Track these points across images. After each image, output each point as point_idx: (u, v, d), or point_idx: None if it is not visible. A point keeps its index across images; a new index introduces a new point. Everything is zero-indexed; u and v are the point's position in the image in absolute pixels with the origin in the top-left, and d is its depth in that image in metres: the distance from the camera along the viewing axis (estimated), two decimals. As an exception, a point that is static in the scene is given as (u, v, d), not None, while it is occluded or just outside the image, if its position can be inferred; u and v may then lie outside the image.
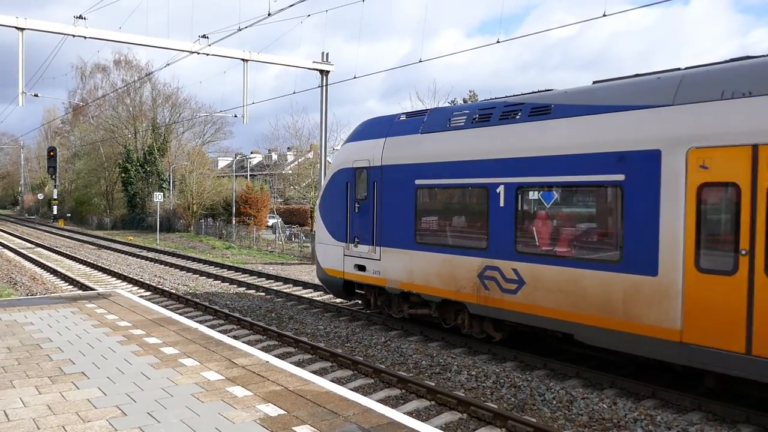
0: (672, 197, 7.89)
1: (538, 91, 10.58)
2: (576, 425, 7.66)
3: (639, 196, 8.25)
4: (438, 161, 11.31)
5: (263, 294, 17.45)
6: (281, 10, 16.56)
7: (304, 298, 16.01)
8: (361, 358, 10.53)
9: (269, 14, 17.08)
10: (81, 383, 6.43)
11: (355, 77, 18.98)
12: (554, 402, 8.40)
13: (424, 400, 8.54)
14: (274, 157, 67.53)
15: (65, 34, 21.48)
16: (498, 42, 13.50)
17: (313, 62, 26.33)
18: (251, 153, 76.61)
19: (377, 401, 7.06)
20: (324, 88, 26.36)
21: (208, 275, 21.02)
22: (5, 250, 30.88)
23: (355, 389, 8.95)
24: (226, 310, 14.68)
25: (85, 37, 21.48)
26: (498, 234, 10.17)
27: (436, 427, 7.04)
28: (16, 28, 20.78)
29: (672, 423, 7.55)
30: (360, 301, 14.10)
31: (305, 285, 18.64)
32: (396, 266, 12.10)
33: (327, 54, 26.49)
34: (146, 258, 27.07)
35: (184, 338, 8.55)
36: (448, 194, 11.53)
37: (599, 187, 9.02)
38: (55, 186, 54.34)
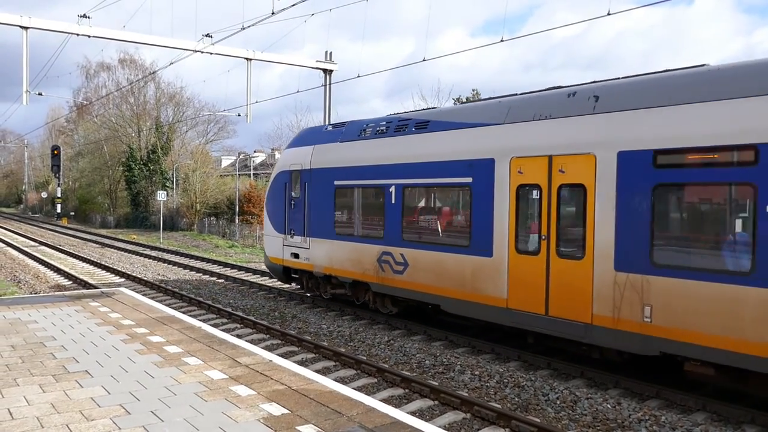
0: (501, 195, 10.20)
1: (425, 109, 12.97)
2: (580, 425, 7.64)
3: (481, 194, 10.55)
4: (351, 165, 13.56)
5: (266, 293, 17.45)
6: (284, 9, 16.56)
7: (307, 297, 16.01)
8: (365, 358, 10.52)
9: (273, 13, 17.08)
10: (85, 382, 6.43)
11: (358, 76, 18.98)
12: (558, 402, 8.38)
13: (428, 400, 8.53)
14: (278, 155, 67.65)
15: (69, 33, 21.53)
16: (502, 41, 13.48)
17: (317, 61, 26.34)
18: (254, 152, 76.64)
19: (381, 401, 7.05)
20: (327, 87, 26.36)
21: (212, 274, 21.03)
22: (9, 249, 30.96)
23: (359, 388, 8.94)
24: (229, 309, 14.69)
25: (89, 36, 21.54)
26: (391, 225, 12.46)
27: (439, 426, 7.02)
28: (21, 27, 20.83)
29: (676, 423, 7.52)
30: (298, 285, 16.24)
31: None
32: (320, 253, 14.35)
33: (330, 53, 26.49)
34: (149, 256, 27.11)
35: (187, 337, 8.55)
36: (357, 193, 13.61)
37: (457, 188, 11.27)
38: (58, 184, 54.40)
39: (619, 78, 9.49)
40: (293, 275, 15.86)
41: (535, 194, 9.75)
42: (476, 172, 10.61)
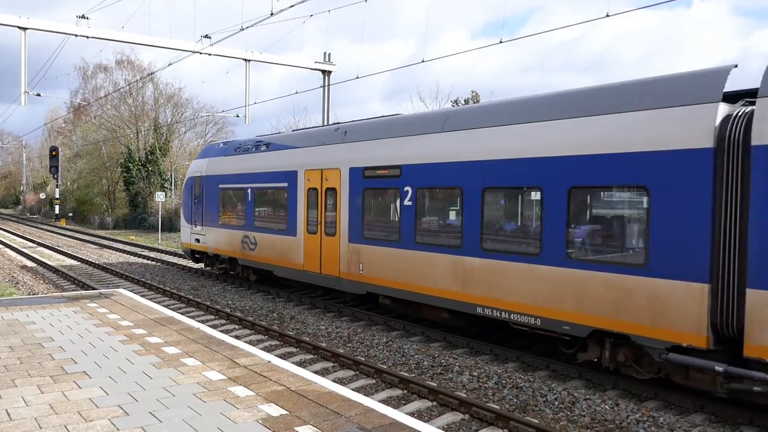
0: (300, 195, 15.25)
1: (274, 134, 18.87)
2: (578, 426, 7.65)
3: (291, 194, 15.58)
4: (228, 173, 18.85)
5: (264, 294, 17.45)
6: (283, 10, 16.57)
7: (306, 298, 16.01)
8: (363, 359, 10.52)
9: (272, 14, 17.09)
10: (83, 382, 6.43)
11: (357, 77, 18.99)
12: (556, 403, 8.39)
13: (426, 401, 8.53)
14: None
15: (68, 34, 21.55)
16: (501, 42, 13.48)
17: (315, 62, 26.36)
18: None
19: (379, 402, 7.05)
20: (326, 88, 26.38)
21: (209, 275, 21.01)
22: (7, 249, 30.93)
23: (357, 389, 8.94)
24: (227, 310, 14.68)
25: (87, 37, 21.55)
26: (248, 217, 17.68)
27: (438, 427, 7.03)
28: (19, 27, 20.84)
29: (674, 425, 7.53)
30: (202, 264, 21.45)
31: (306, 285, 18.60)
32: (211, 238, 19.72)
33: (329, 54, 26.52)
34: (148, 257, 27.07)
35: (185, 338, 8.55)
36: (232, 194, 18.75)
37: (281, 190, 16.16)
38: (57, 185, 54.46)
39: (361, 120, 14.80)
40: (196, 255, 21.14)
41: (315, 194, 14.75)
42: (289, 179, 15.63)
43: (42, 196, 75.88)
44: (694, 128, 7.75)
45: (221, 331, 12.27)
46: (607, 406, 8.16)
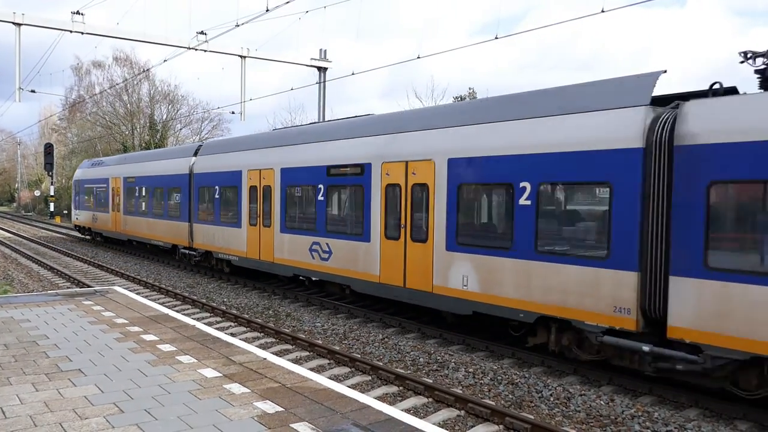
0: (110, 190, 28.20)
1: (110, 157, 35.47)
2: (573, 422, 7.67)
3: (108, 190, 29.36)
4: (88, 178, 31.27)
5: (260, 291, 17.43)
6: (278, 6, 16.54)
7: (301, 295, 16.00)
8: (359, 355, 10.53)
9: (267, 10, 17.05)
10: (78, 380, 6.42)
11: (353, 73, 18.97)
12: (552, 399, 8.41)
13: (422, 397, 8.54)
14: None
15: (62, 30, 21.45)
16: (496, 38, 13.49)
17: (311, 59, 26.31)
18: (249, 150, 76.02)
19: (375, 398, 7.06)
20: (322, 84, 26.33)
21: (205, 272, 20.99)
22: (1, 247, 30.81)
23: (353, 386, 8.95)
24: (223, 308, 14.66)
25: (82, 33, 21.47)
26: (96, 203, 29.77)
27: (433, 424, 7.04)
28: (13, 23, 20.74)
29: (669, 420, 7.56)
30: (83, 234, 34.14)
31: (301, 282, 18.58)
32: (82, 217, 32.15)
33: (325, 51, 26.46)
34: (143, 255, 26.99)
35: (181, 335, 8.54)
36: (89, 190, 30.61)
37: (104, 187, 28.86)
38: (52, 183, 54.23)
39: (139, 152, 32.13)
40: (77, 228, 33.44)
41: (114, 191, 27.17)
42: (107, 182, 27.97)
43: (37, 193, 75.53)
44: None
45: (216, 329, 12.26)
46: (602, 402, 8.20)
